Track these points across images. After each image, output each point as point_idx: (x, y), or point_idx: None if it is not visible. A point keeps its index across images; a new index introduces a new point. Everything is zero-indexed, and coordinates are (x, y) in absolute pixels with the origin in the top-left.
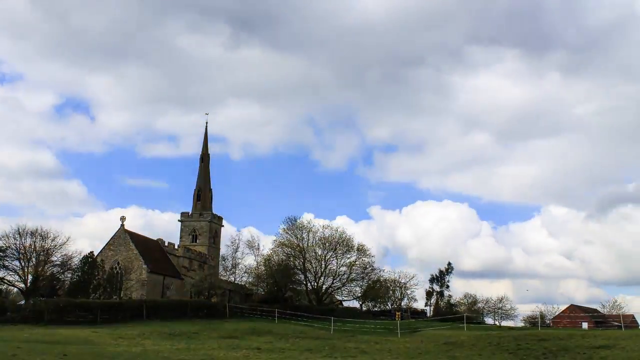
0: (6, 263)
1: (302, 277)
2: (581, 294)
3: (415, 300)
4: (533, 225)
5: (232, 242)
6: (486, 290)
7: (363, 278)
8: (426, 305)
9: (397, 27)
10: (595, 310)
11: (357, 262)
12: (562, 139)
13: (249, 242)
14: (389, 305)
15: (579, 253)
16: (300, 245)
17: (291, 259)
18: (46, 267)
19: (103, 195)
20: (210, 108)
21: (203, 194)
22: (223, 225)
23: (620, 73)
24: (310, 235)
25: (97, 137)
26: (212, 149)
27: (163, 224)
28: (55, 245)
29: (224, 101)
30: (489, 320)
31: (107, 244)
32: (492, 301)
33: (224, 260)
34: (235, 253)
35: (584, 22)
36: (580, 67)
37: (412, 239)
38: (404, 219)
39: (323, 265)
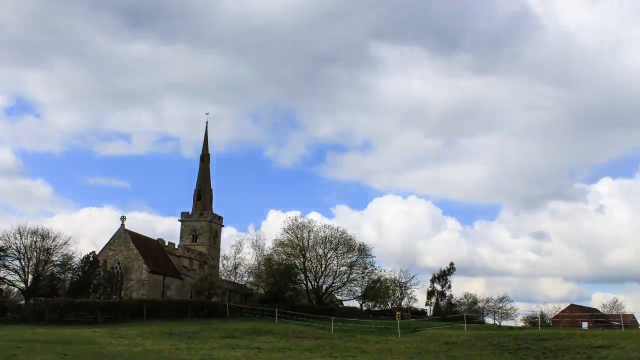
0: (6, 263)
1: (302, 276)
2: (559, 291)
3: (416, 300)
4: (496, 223)
5: (236, 243)
6: (462, 288)
7: (363, 278)
8: (427, 304)
9: (303, 26)
10: (595, 310)
11: (357, 262)
12: (497, 138)
13: (253, 241)
14: (389, 304)
15: (545, 250)
16: (301, 244)
17: (291, 259)
18: (46, 267)
19: (70, 195)
20: (150, 106)
21: (203, 194)
22: (223, 225)
23: (530, 72)
24: (311, 234)
25: (51, 137)
26: (165, 148)
27: (141, 225)
28: (56, 245)
29: (161, 99)
30: (489, 320)
31: (107, 244)
32: (492, 301)
33: (225, 260)
34: (238, 254)
35: (483, 22)
36: (496, 67)
37: (377, 236)
38: (367, 217)
39: (323, 265)
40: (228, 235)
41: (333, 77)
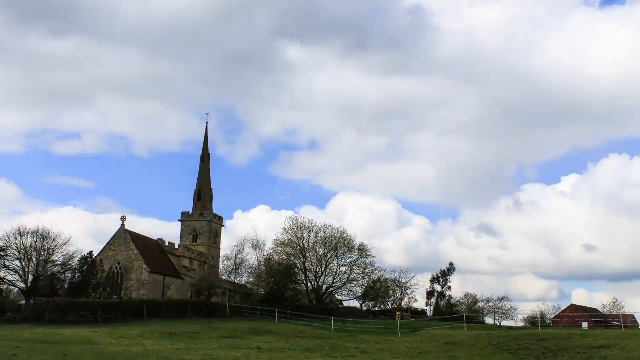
0: (7, 263)
1: (302, 276)
2: (537, 289)
3: (416, 300)
4: (456, 222)
5: (238, 243)
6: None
7: (363, 278)
8: (427, 305)
9: (213, 23)
10: (596, 310)
11: (357, 262)
12: (435, 137)
13: (253, 241)
14: (390, 305)
15: (508, 248)
16: (301, 244)
17: (292, 259)
18: (47, 267)
19: (36, 194)
20: (89, 104)
21: (203, 194)
22: (224, 225)
23: (444, 71)
24: (312, 234)
25: (6, 137)
26: (117, 147)
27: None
28: (56, 245)
29: (97, 97)
30: (489, 320)
31: (107, 244)
32: (492, 301)
33: (227, 260)
34: (240, 254)
35: (388, 23)
36: (409, 67)
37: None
38: (331, 216)
39: (323, 265)
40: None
41: (253, 75)
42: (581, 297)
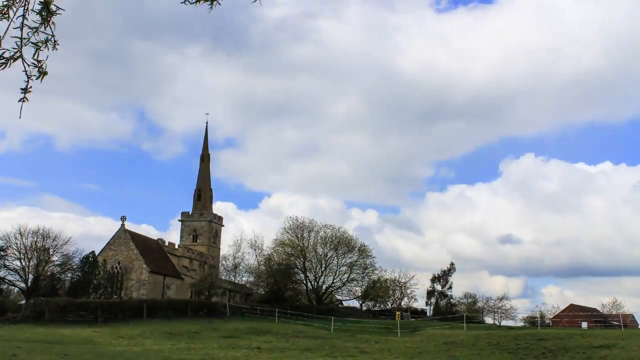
0: (7, 263)
1: (302, 276)
2: (499, 287)
3: (415, 299)
4: (396, 220)
5: (234, 242)
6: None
7: (363, 277)
8: (427, 304)
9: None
10: (595, 310)
11: (357, 262)
12: (335, 134)
13: (251, 241)
14: (389, 304)
15: (451, 245)
16: (301, 244)
17: (292, 259)
18: (47, 267)
19: None
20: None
21: (203, 194)
22: (223, 225)
23: (297, 70)
24: (312, 234)
25: None
26: (36, 145)
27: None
28: (56, 245)
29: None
30: (488, 320)
31: (107, 244)
32: (492, 301)
33: (225, 260)
34: (237, 253)
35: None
36: (267, 67)
37: None
38: (268, 214)
39: (323, 265)
40: (254, 235)
41: (129, 75)
42: (552, 293)
